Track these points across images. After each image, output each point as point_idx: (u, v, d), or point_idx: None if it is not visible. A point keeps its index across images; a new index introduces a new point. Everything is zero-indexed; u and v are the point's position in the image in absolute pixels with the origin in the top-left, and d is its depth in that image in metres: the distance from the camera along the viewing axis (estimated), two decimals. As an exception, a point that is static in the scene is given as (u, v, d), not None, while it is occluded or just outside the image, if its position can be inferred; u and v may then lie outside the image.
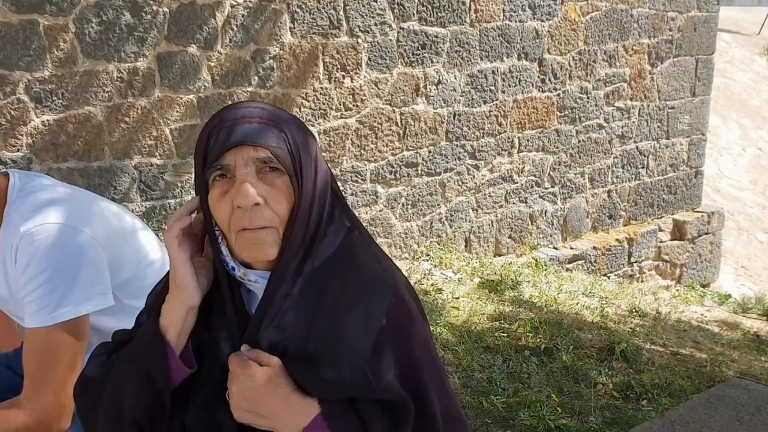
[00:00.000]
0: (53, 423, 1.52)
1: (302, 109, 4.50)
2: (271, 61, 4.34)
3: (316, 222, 1.16)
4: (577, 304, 4.60)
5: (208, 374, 1.19)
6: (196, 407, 1.18)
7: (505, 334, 3.85)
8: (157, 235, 1.95)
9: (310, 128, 4.51)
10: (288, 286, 1.15)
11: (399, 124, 4.94)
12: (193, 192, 4.22)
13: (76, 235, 1.53)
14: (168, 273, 1.28)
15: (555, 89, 5.67)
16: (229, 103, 4.23)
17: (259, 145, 1.12)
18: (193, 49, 4.05)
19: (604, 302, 4.75)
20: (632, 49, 6.08)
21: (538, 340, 3.77)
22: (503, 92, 5.39)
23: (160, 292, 1.25)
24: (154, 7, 3.88)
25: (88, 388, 1.26)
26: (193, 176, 4.18)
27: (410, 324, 1.18)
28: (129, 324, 1.65)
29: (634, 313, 4.63)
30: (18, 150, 3.61)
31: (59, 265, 1.49)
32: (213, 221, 1.17)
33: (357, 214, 5.13)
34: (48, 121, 3.68)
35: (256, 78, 4.31)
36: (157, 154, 4.05)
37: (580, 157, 5.97)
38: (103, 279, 1.56)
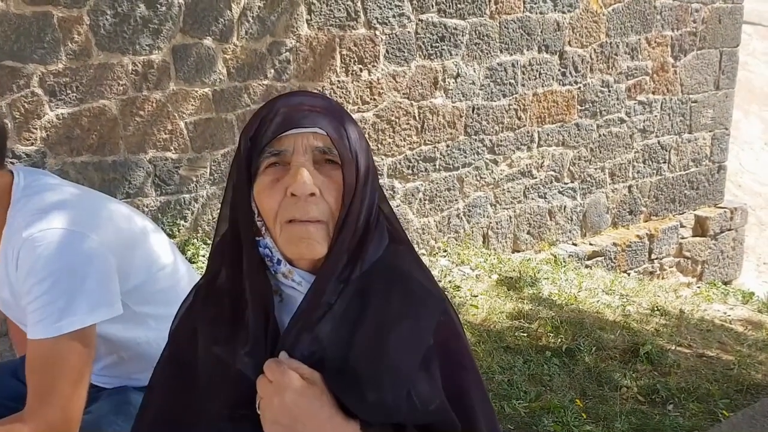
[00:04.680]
0: None
1: (319, 103, 4.42)
2: (288, 53, 4.26)
3: (365, 224, 1.07)
4: (598, 302, 4.50)
5: (220, 389, 1.08)
6: (215, 423, 1.08)
7: (525, 334, 3.77)
8: (168, 235, 1.88)
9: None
10: (330, 293, 1.05)
11: (417, 118, 4.85)
12: (208, 186, 4.16)
13: (82, 240, 1.44)
14: (197, 285, 1.19)
15: (576, 82, 5.55)
16: (245, 96, 4.18)
17: (320, 131, 1.04)
18: (208, 41, 3.98)
19: (625, 300, 4.66)
20: (655, 42, 5.95)
21: (560, 341, 3.69)
22: (523, 86, 5.28)
23: (186, 317, 1.17)
24: (170, -1, 3.81)
25: None
26: (208, 171, 4.14)
27: (457, 344, 1.10)
28: (138, 332, 1.58)
29: (656, 312, 4.52)
30: (32, 144, 3.56)
31: (63, 273, 1.41)
32: (255, 212, 1.07)
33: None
34: (62, 114, 3.62)
35: (272, 71, 4.23)
36: (171, 148, 3.98)
37: (600, 152, 5.86)
38: (111, 287, 1.47)
